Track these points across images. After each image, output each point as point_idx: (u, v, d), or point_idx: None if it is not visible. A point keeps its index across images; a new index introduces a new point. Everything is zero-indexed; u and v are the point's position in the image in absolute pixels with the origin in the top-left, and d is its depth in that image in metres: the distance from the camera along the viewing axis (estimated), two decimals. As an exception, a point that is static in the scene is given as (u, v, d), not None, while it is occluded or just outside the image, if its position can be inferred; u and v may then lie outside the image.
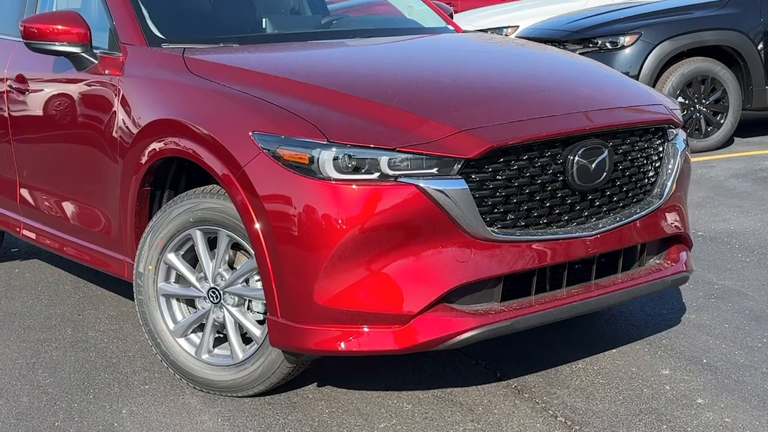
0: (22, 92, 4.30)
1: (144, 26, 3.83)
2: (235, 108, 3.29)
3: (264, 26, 4.36)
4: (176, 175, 3.67)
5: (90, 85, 3.89)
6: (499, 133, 3.09)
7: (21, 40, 3.98)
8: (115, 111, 3.72)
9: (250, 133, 3.15)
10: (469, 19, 10.45)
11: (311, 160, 3.02)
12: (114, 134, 3.71)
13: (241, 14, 4.42)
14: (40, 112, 4.21)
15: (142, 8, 3.90)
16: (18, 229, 4.57)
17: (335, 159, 3.00)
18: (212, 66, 3.56)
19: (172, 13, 4.13)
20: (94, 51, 3.85)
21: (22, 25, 3.88)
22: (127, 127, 3.65)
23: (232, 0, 4.46)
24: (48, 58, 4.06)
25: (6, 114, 4.42)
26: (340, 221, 2.99)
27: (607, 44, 7.79)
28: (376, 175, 3.00)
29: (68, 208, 4.17)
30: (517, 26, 10.33)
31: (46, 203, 4.33)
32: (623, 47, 7.76)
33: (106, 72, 3.81)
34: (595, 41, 7.84)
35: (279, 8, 4.79)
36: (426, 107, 3.20)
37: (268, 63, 3.70)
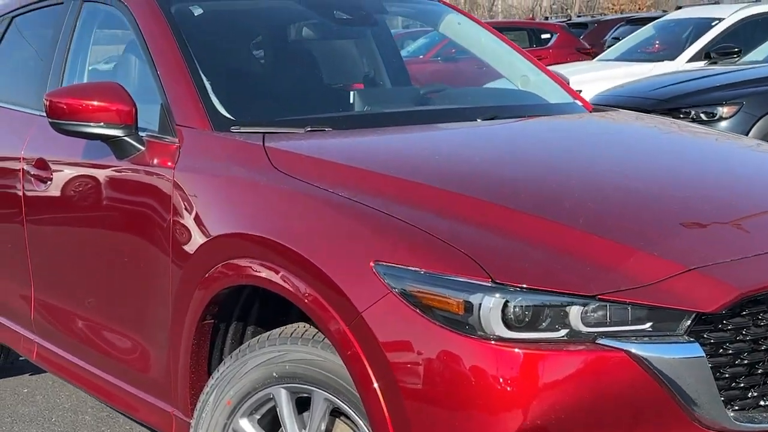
0: (43, 182, 3.33)
1: (207, 104, 2.87)
2: (347, 224, 2.34)
3: (351, 101, 3.39)
4: (247, 301, 2.72)
5: (133, 180, 2.94)
6: (745, 272, 2.12)
7: (44, 115, 3.05)
8: (165, 218, 2.77)
9: (372, 264, 2.19)
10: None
11: (468, 309, 2.06)
12: (163, 249, 2.76)
13: (323, 87, 3.46)
14: (64, 211, 3.26)
15: (204, 80, 2.95)
16: (31, 353, 3.59)
17: (504, 309, 2.04)
18: (305, 161, 2.61)
19: (243, 86, 3.17)
20: (140, 134, 2.91)
21: (47, 99, 2.94)
22: (181, 241, 2.69)
23: (310, 68, 3.51)
24: (78, 141, 3.11)
25: (21, 211, 3.45)
26: (509, 403, 2.02)
27: (702, 115, 6.86)
28: (563, 332, 2.05)
29: (97, 333, 3.22)
30: (580, 90, 9.43)
31: (66, 323, 3.38)
32: (721, 119, 6.82)
33: (155, 162, 2.86)
34: (688, 111, 6.91)
35: (361, 76, 3.81)
36: (628, 231, 2.23)
37: (382, 156, 2.72)
